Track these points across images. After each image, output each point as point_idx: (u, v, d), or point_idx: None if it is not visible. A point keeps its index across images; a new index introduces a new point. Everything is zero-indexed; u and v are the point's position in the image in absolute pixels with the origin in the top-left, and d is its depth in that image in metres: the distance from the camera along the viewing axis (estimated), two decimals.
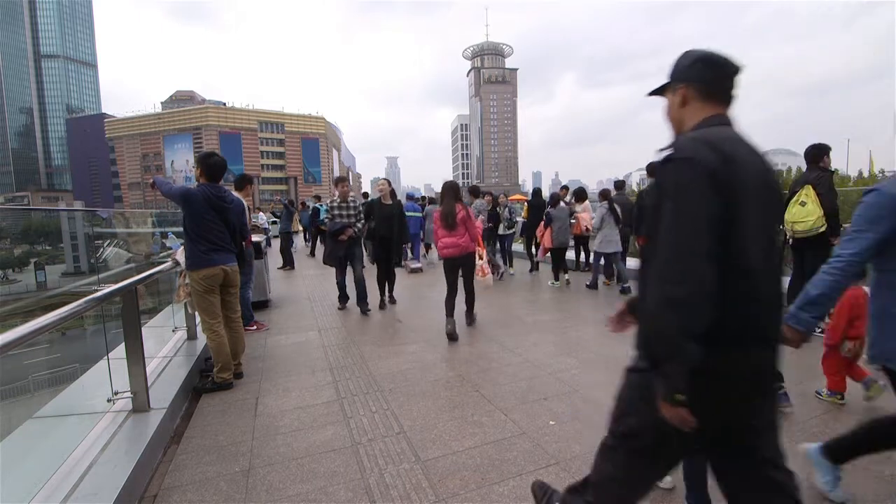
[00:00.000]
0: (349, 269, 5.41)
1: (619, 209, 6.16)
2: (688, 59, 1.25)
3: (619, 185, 7.39)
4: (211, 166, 3.26)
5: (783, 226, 4.09)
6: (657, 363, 1.09)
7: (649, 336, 1.14)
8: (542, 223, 6.83)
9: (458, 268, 4.39)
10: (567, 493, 1.49)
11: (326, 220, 5.28)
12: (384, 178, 5.98)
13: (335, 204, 5.27)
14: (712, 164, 1.04)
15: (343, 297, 5.56)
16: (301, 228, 16.31)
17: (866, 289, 2.55)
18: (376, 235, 5.54)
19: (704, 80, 1.23)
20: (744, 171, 1.08)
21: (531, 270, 8.09)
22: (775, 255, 1.19)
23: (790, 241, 4.07)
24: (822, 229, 3.76)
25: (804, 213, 3.79)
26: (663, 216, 1.09)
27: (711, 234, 1.03)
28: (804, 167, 4.14)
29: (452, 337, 4.18)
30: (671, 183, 1.10)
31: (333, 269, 5.59)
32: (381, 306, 5.55)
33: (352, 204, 5.28)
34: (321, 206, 12.84)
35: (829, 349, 2.75)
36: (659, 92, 1.31)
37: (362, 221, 5.35)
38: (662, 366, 1.07)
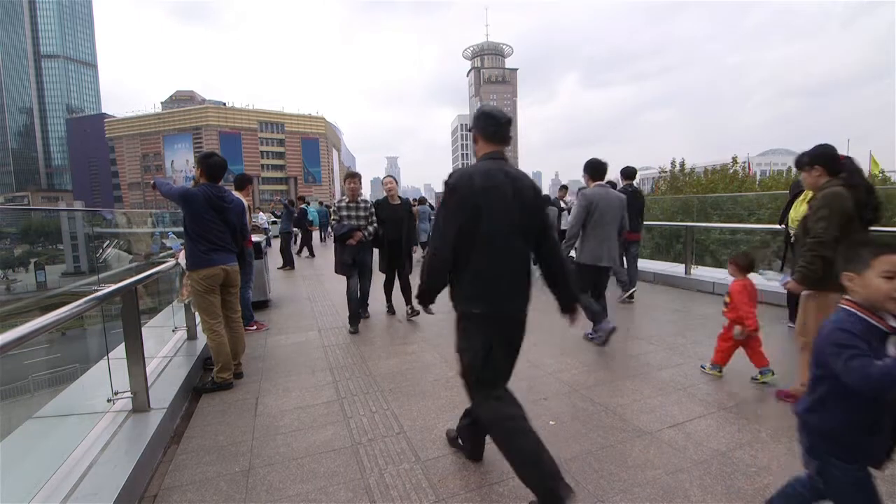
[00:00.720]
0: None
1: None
2: (476, 113, 2.00)
3: (631, 173, 5.92)
4: (211, 166, 3.26)
5: (785, 224, 4.06)
6: (420, 293, 1.95)
7: (421, 279, 1.93)
8: None
9: None
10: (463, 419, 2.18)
11: (333, 223, 4.63)
12: (389, 176, 5.19)
13: (343, 204, 4.62)
14: (465, 190, 1.79)
15: (355, 317, 4.61)
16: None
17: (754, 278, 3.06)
18: (385, 240, 4.87)
19: (482, 127, 1.96)
20: (489, 194, 1.79)
21: None
22: (518, 244, 1.87)
23: (794, 239, 4.04)
24: None
25: None
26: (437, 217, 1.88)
27: (457, 233, 1.78)
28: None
29: None
30: (443, 198, 1.85)
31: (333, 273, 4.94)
32: (390, 311, 5.25)
33: (362, 205, 4.64)
34: (306, 206, 12.76)
35: (727, 331, 3.12)
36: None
37: (374, 224, 4.69)
38: (420, 294, 1.94)
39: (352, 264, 4.59)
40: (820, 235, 2.37)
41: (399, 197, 5.13)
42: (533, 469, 1.70)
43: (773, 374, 3.01)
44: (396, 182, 5.21)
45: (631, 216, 5.48)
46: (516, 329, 1.94)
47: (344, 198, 4.70)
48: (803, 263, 2.41)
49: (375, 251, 5.00)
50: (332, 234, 4.61)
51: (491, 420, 1.86)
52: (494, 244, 1.82)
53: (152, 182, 3.41)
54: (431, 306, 2.02)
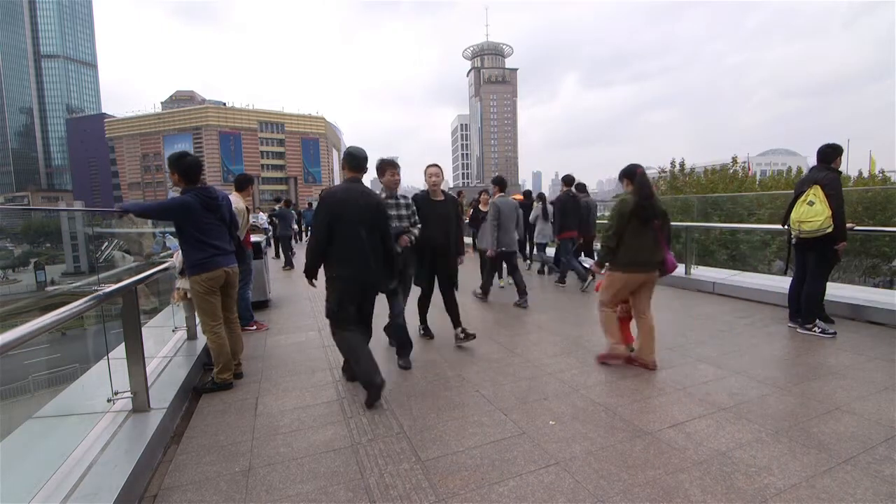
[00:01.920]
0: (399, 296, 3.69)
1: (550, 207, 7.32)
2: (345, 152, 3.10)
3: (570, 180, 6.99)
4: (187, 168, 3.11)
5: (787, 225, 4.03)
6: (305, 269, 3.01)
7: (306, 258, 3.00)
8: None
9: None
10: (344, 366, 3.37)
11: None
12: (435, 165, 4.05)
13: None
14: (330, 200, 2.93)
15: (407, 342, 3.64)
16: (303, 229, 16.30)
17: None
18: (427, 245, 3.85)
19: (348, 161, 3.08)
20: (344, 203, 2.90)
21: (527, 265, 8.63)
22: (366, 240, 2.92)
23: (794, 240, 3.99)
24: (829, 230, 3.69)
25: (812, 212, 3.73)
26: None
27: (326, 227, 2.88)
28: (805, 167, 4.15)
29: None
30: (318, 205, 3.01)
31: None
32: (427, 334, 4.30)
33: (402, 201, 3.66)
34: (283, 208, 11.50)
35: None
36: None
37: (418, 226, 3.74)
38: (306, 272, 3.00)
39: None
40: (606, 231, 3.37)
41: (443, 191, 4.11)
42: (358, 368, 2.93)
43: (633, 349, 3.50)
44: (442, 173, 4.09)
45: (569, 217, 6.69)
46: (364, 289, 3.06)
47: (380, 192, 3.63)
48: (600, 253, 3.46)
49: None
50: None
51: (338, 341, 3.10)
52: (348, 235, 2.90)
53: (118, 208, 3.13)
54: (315, 281, 3.04)
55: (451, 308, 4.11)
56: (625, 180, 3.41)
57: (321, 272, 3.06)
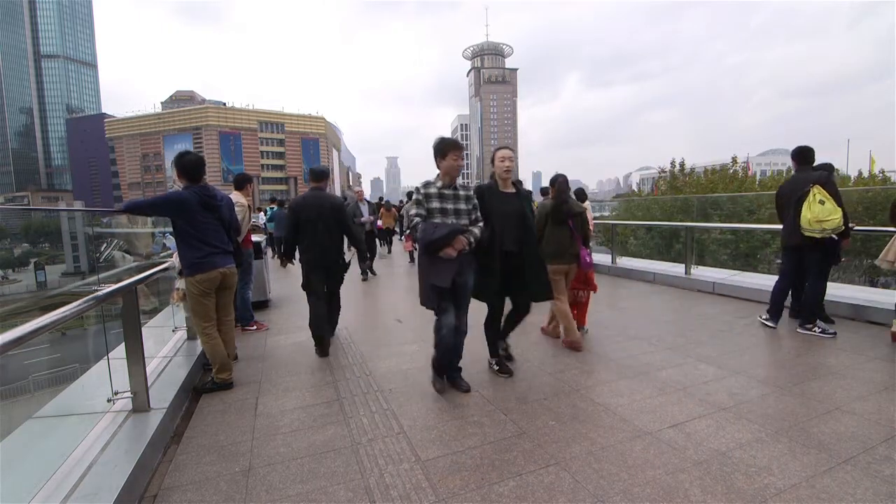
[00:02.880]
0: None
1: None
2: (310, 170, 4.34)
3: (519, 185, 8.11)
4: (186, 165, 3.11)
5: (802, 225, 3.89)
6: (280, 257, 4.24)
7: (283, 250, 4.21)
8: None
9: None
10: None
11: (416, 220, 2.89)
12: (506, 147, 3.26)
13: (433, 190, 2.91)
14: (296, 206, 4.07)
15: (446, 364, 3.10)
16: None
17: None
18: (494, 249, 3.03)
19: (310, 175, 4.29)
20: (306, 207, 3.96)
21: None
22: (322, 232, 3.94)
23: (820, 239, 3.78)
24: (843, 228, 3.70)
25: (827, 211, 3.69)
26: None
27: (294, 226, 3.95)
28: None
29: None
30: (288, 209, 4.58)
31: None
32: (501, 368, 3.36)
33: (462, 193, 2.96)
34: (273, 208, 11.33)
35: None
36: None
37: (481, 223, 2.99)
38: (282, 255, 4.18)
39: (450, 288, 2.86)
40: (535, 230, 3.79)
41: (515, 184, 3.29)
42: (313, 325, 3.96)
43: (587, 331, 4.29)
44: (515, 157, 3.31)
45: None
46: (327, 269, 4.05)
47: (434, 182, 2.96)
48: None
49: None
50: (420, 240, 2.85)
51: (309, 302, 4.03)
52: (308, 231, 3.90)
53: (118, 208, 3.30)
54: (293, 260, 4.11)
55: (507, 325, 3.38)
56: (550, 187, 4.13)
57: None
